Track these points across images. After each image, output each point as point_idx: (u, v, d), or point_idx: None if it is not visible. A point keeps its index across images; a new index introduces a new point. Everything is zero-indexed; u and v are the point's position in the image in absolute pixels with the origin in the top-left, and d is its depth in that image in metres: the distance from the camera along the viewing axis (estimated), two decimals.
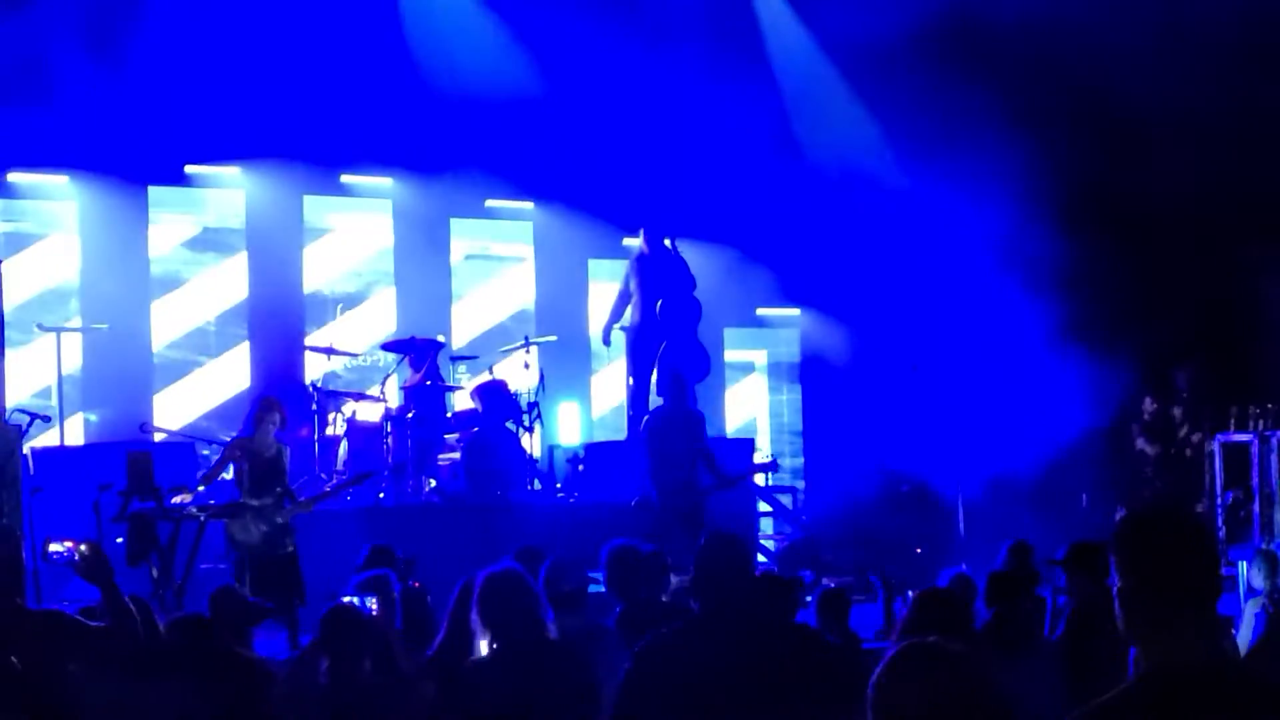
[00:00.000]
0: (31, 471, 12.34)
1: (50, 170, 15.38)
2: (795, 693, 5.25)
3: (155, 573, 10.94)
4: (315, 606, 6.82)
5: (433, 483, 14.19)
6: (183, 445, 14.08)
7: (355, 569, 8.39)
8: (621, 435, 16.19)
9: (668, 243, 15.45)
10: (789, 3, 17.80)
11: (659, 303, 15.31)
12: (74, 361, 15.12)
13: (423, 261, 17.20)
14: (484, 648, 6.27)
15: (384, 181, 17.03)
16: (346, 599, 7.02)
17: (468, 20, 16.85)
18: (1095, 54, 15.34)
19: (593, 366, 17.84)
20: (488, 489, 13.91)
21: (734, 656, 5.27)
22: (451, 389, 15.17)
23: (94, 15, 14.86)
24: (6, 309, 11.27)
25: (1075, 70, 15.79)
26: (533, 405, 14.79)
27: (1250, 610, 9.22)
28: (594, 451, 15.52)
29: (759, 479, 15.55)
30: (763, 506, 16.27)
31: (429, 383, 14.62)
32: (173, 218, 16.24)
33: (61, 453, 13.84)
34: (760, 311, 18.82)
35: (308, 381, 15.16)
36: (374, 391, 14.81)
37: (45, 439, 14.00)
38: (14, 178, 15.31)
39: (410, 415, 14.13)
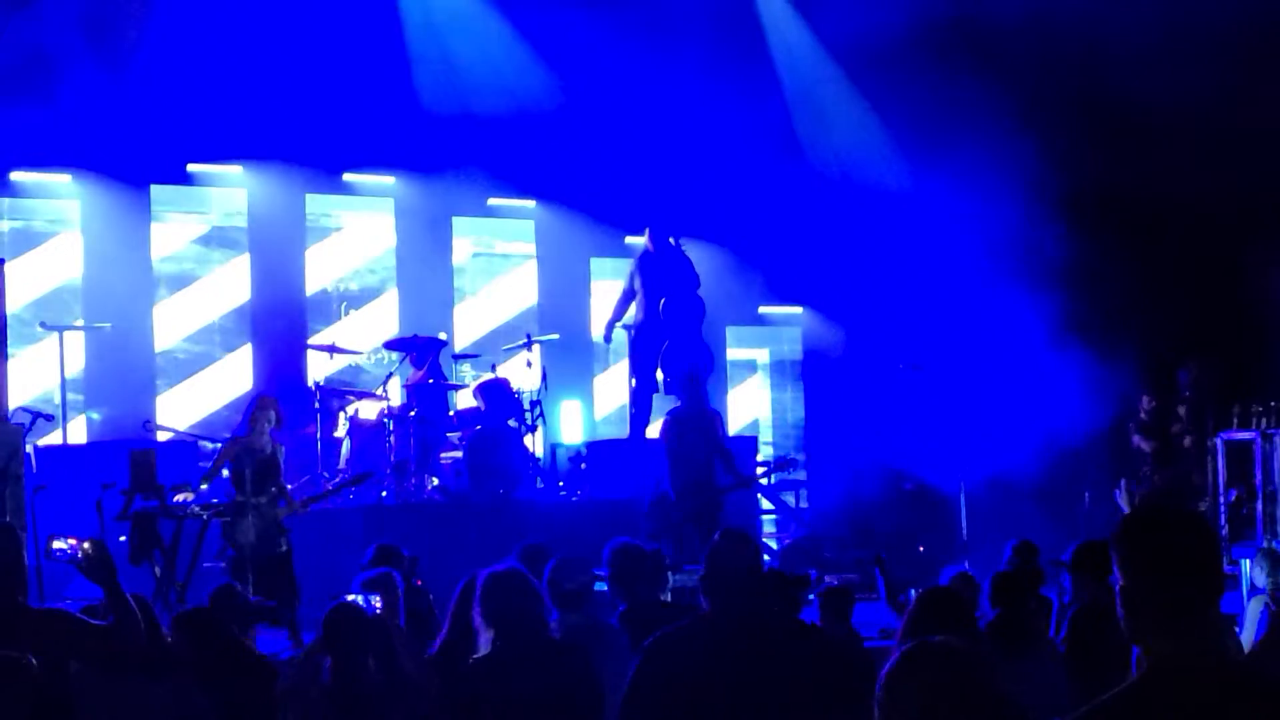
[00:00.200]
0: (34, 469, 12.34)
1: (53, 169, 15.39)
2: (800, 690, 5.26)
3: (158, 571, 10.96)
4: (319, 605, 6.81)
5: (435, 481, 14.19)
6: (186, 444, 14.09)
7: (360, 567, 8.39)
8: (624, 433, 16.19)
9: (672, 241, 15.45)
10: (791, 2, 17.80)
11: (662, 301, 15.32)
12: (77, 360, 15.12)
13: (425, 260, 17.22)
14: (486, 646, 6.27)
15: (386, 180, 17.04)
16: (351, 597, 7.02)
17: (469, 19, 16.85)
18: (1098, 52, 15.33)
19: (596, 367, 17.84)
20: (490, 487, 13.91)
21: (741, 654, 5.28)
22: (454, 387, 15.17)
23: (97, 14, 14.87)
24: (10, 309, 11.29)
25: (1077, 68, 15.79)
26: (535, 403, 14.79)
27: (1253, 608, 9.21)
28: (596, 450, 15.52)
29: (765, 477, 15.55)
30: (765, 505, 16.27)
31: (431, 381, 14.62)
32: (175, 217, 16.25)
33: (64, 451, 13.85)
34: (762, 310, 18.82)
35: (310, 380, 15.17)
36: (376, 390, 14.81)
37: (48, 437, 14.01)
38: (17, 177, 15.32)
39: (413, 414, 14.13)
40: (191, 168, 16.05)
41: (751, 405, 19.06)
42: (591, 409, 17.61)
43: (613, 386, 17.76)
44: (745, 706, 5.21)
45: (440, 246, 17.39)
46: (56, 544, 5.93)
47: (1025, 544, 9.64)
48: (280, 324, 16.26)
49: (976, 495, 15.04)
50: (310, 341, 16.17)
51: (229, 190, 16.35)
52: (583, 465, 15.25)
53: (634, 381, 15.58)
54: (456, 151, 16.51)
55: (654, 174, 16.55)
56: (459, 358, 16.05)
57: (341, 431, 14.33)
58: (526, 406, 14.73)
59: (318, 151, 16.12)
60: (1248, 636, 8.82)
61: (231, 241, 16.45)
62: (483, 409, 14.61)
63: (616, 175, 16.79)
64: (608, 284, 17.36)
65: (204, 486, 11.50)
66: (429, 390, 14.53)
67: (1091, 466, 16.38)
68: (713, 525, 11.98)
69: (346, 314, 16.89)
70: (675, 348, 15.23)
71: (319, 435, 14.08)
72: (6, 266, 11.56)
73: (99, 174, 15.42)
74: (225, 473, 11.58)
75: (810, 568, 12.74)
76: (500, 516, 13.19)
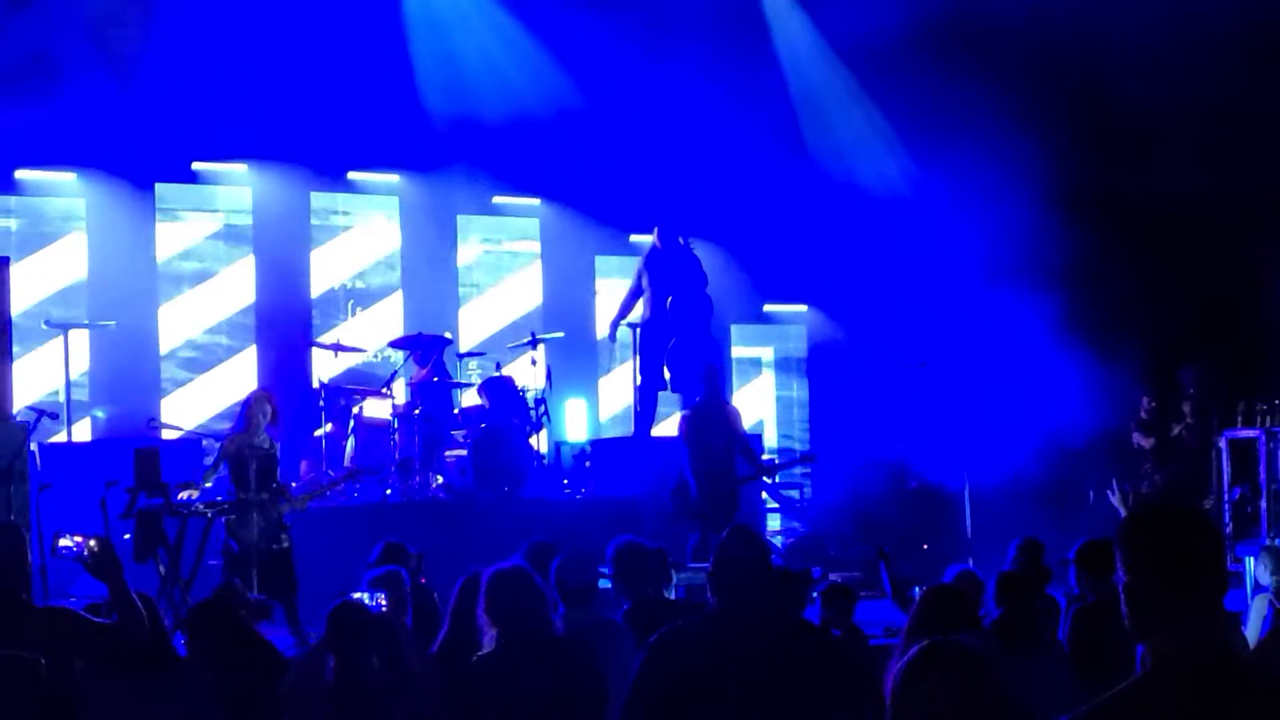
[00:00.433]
0: (39, 467, 12.36)
1: (58, 168, 15.40)
2: (803, 688, 5.25)
3: (162, 569, 10.97)
4: (326, 603, 6.81)
5: (440, 479, 14.20)
6: (190, 442, 14.10)
7: (367, 565, 8.39)
8: (629, 431, 16.20)
9: (681, 240, 15.45)
10: (795, 1, 17.79)
11: (670, 298, 15.32)
12: (82, 359, 15.13)
13: (430, 258, 17.22)
14: (490, 643, 6.27)
15: (391, 178, 17.04)
16: (357, 595, 7.03)
17: (473, 18, 16.86)
18: (1100, 52, 15.33)
19: (602, 365, 17.84)
20: (495, 485, 13.93)
21: (745, 651, 5.28)
22: (459, 385, 15.18)
23: (101, 13, 14.88)
24: (15, 307, 11.29)
25: (1079, 68, 15.78)
26: (540, 401, 14.80)
27: (1258, 606, 9.20)
28: (601, 448, 15.53)
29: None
30: (770, 503, 16.27)
31: (436, 379, 14.63)
32: (181, 215, 16.25)
33: (69, 449, 13.86)
34: (767, 308, 18.82)
35: (315, 379, 15.18)
36: (381, 390, 14.81)
37: (53, 435, 14.03)
38: (22, 175, 15.33)
39: (417, 412, 14.14)
40: (197, 166, 16.06)
41: (756, 402, 19.05)
42: (596, 407, 17.61)
43: (618, 386, 17.74)
44: (748, 704, 5.21)
45: (445, 245, 17.40)
46: (63, 541, 5.95)
47: (1030, 542, 9.62)
48: (285, 322, 16.27)
49: (981, 493, 15.04)
50: (315, 340, 16.17)
51: (234, 189, 16.36)
52: (587, 463, 15.26)
53: (639, 379, 15.58)
54: (461, 150, 16.52)
55: (659, 172, 16.55)
56: (464, 356, 16.05)
57: (347, 430, 14.34)
58: (531, 405, 14.73)
59: (323, 150, 16.13)
60: (1252, 634, 8.81)
61: (237, 240, 16.45)
62: (487, 407, 14.62)
63: (621, 173, 16.80)
64: (612, 282, 17.36)
65: (207, 484, 11.51)
66: (434, 388, 14.54)
67: (1095, 465, 16.36)
68: (731, 515, 12.23)
69: (353, 312, 16.90)
70: (682, 345, 15.24)
71: (324, 433, 14.09)
72: (12, 265, 11.58)
73: (104, 172, 15.43)
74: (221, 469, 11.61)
75: (814, 565, 12.78)
76: (505, 514, 13.20)
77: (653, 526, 12.88)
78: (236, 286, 16.35)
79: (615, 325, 15.71)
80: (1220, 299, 16.08)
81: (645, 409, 15.52)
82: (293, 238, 16.51)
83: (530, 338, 15.40)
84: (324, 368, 15.77)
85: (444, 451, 14.42)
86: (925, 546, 14.80)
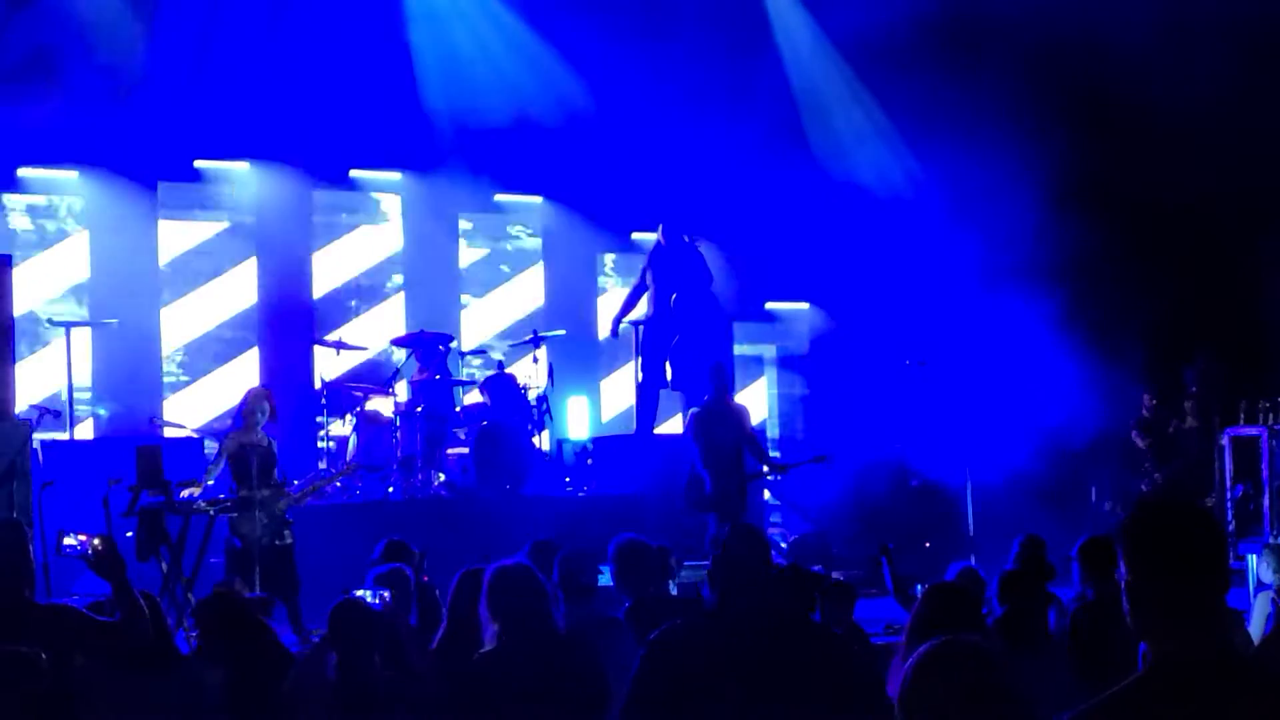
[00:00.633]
0: (41, 465, 12.36)
1: (61, 166, 15.40)
2: (804, 686, 5.25)
3: (164, 567, 10.97)
4: (329, 600, 6.82)
5: (442, 477, 14.20)
6: (192, 440, 14.11)
7: (370, 563, 8.40)
8: (630, 429, 16.19)
9: (686, 238, 15.44)
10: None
11: (674, 296, 15.31)
12: (84, 357, 15.14)
13: (432, 257, 17.23)
14: (491, 640, 6.27)
15: (394, 176, 17.05)
16: (360, 593, 7.03)
17: (474, 18, 16.85)
18: (1102, 49, 15.32)
19: (604, 365, 17.84)
20: (497, 483, 13.93)
21: (746, 649, 5.27)
22: (460, 383, 15.18)
23: (104, 11, 14.88)
24: (18, 307, 11.30)
25: (1081, 64, 15.77)
26: (541, 400, 14.80)
27: (1260, 604, 9.20)
28: (603, 445, 15.53)
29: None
30: (773, 500, 16.27)
31: (438, 377, 14.64)
32: (183, 213, 16.26)
33: (72, 447, 13.87)
34: (769, 306, 18.82)
35: (317, 377, 15.18)
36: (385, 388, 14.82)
37: (56, 433, 14.04)
38: (25, 173, 15.34)
39: (419, 410, 14.14)
40: (199, 165, 16.07)
41: (758, 401, 19.05)
42: (598, 405, 17.61)
43: (620, 384, 17.75)
44: (748, 702, 5.20)
45: (448, 243, 17.40)
46: (67, 540, 5.96)
47: (1033, 539, 9.61)
48: (288, 321, 16.28)
49: (983, 491, 15.04)
50: (318, 338, 16.17)
51: (237, 187, 16.36)
52: (589, 460, 15.27)
53: (641, 376, 15.59)
54: (463, 149, 16.52)
55: (661, 171, 16.55)
56: (466, 354, 16.05)
57: (349, 428, 14.35)
58: (533, 403, 14.74)
59: (325, 148, 16.14)
60: (1255, 632, 8.81)
61: (239, 238, 16.46)
62: (489, 405, 14.63)
63: (623, 172, 16.80)
64: (614, 281, 17.36)
65: (209, 481, 11.52)
66: (436, 386, 14.55)
67: (1098, 462, 16.38)
68: (740, 512, 12.28)
69: (355, 311, 16.90)
70: (685, 343, 15.24)
71: (326, 431, 14.10)
72: (14, 264, 11.58)
73: (107, 171, 15.44)
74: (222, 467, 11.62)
75: (817, 563, 12.81)
76: (506, 512, 13.20)
77: (655, 524, 12.88)
78: (239, 285, 16.35)
79: (617, 322, 15.69)
80: (1223, 297, 16.08)
81: (647, 406, 15.51)
82: (295, 236, 16.52)
83: (532, 336, 15.41)
84: (326, 366, 15.77)
85: (446, 449, 14.43)
86: (928, 544, 14.80)
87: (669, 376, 15.36)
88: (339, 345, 15.11)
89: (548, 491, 14.58)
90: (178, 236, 16.18)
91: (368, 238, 17.24)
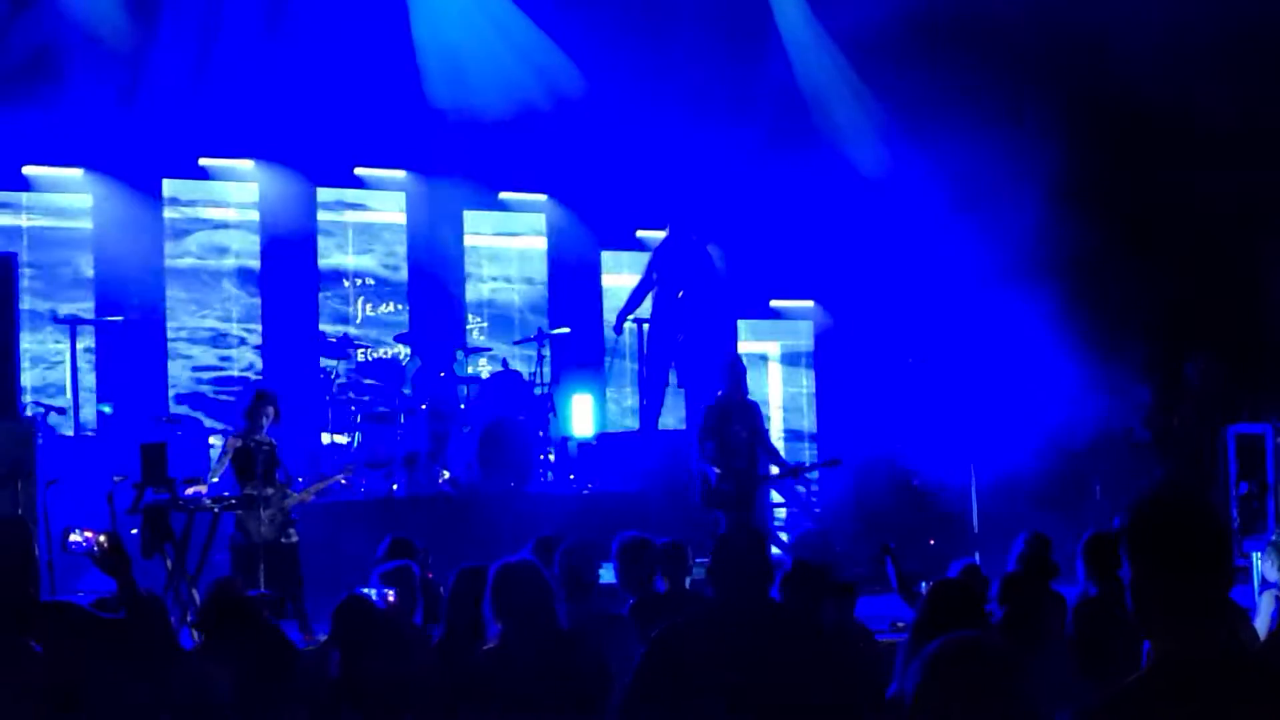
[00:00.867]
0: (46, 462, 12.35)
1: (66, 164, 15.41)
2: (805, 682, 5.26)
3: (169, 564, 10.98)
4: (334, 598, 6.82)
5: (446, 474, 14.21)
6: (197, 437, 14.12)
7: (375, 560, 8.40)
8: (635, 426, 16.20)
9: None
10: None
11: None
12: (89, 354, 15.16)
13: (437, 254, 17.23)
14: (495, 638, 6.27)
15: (398, 174, 17.05)
16: (365, 590, 7.03)
17: (478, 14, 16.85)
18: (1104, 46, 15.30)
19: (607, 363, 17.83)
20: (501, 479, 13.93)
21: (748, 645, 5.28)
22: (465, 380, 15.18)
23: (108, 9, 14.89)
24: (24, 304, 11.30)
25: (1084, 61, 15.75)
26: (546, 397, 14.80)
27: (1265, 602, 9.18)
28: (608, 442, 15.53)
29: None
30: (776, 498, 16.27)
31: (442, 374, 14.64)
32: (188, 210, 16.26)
33: (76, 444, 13.89)
34: (774, 303, 18.81)
35: (321, 374, 15.19)
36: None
37: (61, 430, 14.06)
38: (30, 171, 15.35)
39: (424, 407, 14.15)
40: (204, 162, 16.07)
41: (763, 398, 19.04)
42: (603, 402, 17.61)
43: (623, 381, 17.73)
44: (749, 699, 5.21)
45: (452, 240, 17.40)
46: (73, 536, 5.95)
47: (1037, 536, 9.60)
48: (293, 318, 16.29)
49: (987, 488, 15.03)
50: (322, 336, 16.19)
51: (242, 185, 16.37)
52: (594, 457, 15.27)
53: (646, 372, 15.58)
54: (468, 146, 16.52)
55: (666, 168, 16.54)
56: (471, 351, 16.05)
57: (354, 426, 14.36)
58: (538, 399, 14.73)
59: (330, 146, 16.14)
60: (1260, 631, 8.79)
61: (244, 235, 16.46)
62: (494, 402, 14.62)
63: (628, 169, 16.79)
64: (619, 278, 17.36)
65: (214, 479, 11.53)
66: (440, 383, 14.55)
67: (1101, 459, 16.35)
68: (750, 509, 12.28)
69: (360, 308, 16.91)
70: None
71: (329, 429, 14.11)
72: (20, 261, 11.59)
73: (112, 169, 15.45)
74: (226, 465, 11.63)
75: (819, 561, 12.76)
76: (511, 509, 13.21)
77: (659, 520, 12.87)
78: (244, 282, 16.36)
79: (622, 318, 15.67)
80: (1225, 295, 16.05)
81: (651, 403, 15.50)
82: (300, 234, 16.52)
83: (537, 333, 15.41)
84: (331, 364, 15.77)
85: (450, 446, 14.43)
86: (932, 542, 14.79)
87: (673, 375, 15.34)
88: (344, 342, 15.12)
89: (552, 488, 14.59)
90: (183, 234, 16.18)
91: (372, 235, 17.24)
